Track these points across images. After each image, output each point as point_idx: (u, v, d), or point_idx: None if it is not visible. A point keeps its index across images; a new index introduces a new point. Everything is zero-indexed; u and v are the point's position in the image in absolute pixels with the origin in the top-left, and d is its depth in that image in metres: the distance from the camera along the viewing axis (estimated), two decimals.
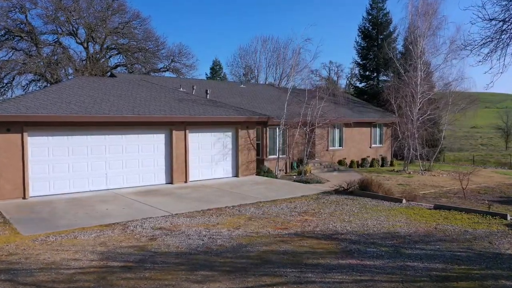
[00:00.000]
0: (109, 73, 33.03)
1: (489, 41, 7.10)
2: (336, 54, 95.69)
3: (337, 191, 15.01)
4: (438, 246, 8.44)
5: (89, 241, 8.59)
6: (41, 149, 14.12)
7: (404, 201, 13.21)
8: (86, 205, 12.43)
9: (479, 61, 7.42)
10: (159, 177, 16.72)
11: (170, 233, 9.28)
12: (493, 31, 7.02)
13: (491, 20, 6.96)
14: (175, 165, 16.87)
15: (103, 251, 7.91)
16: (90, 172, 15.09)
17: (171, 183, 16.80)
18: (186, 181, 17.13)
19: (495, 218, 10.88)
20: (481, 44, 7.16)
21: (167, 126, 16.68)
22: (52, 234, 9.13)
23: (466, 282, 6.51)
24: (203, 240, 8.74)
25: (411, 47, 24.74)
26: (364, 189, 14.67)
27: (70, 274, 6.60)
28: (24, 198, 13.55)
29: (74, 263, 7.18)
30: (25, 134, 13.64)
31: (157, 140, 16.70)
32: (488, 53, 7.23)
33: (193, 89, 22.33)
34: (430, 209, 12.28)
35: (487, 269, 7.12)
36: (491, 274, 6.88)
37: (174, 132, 16.83)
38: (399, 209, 12.18)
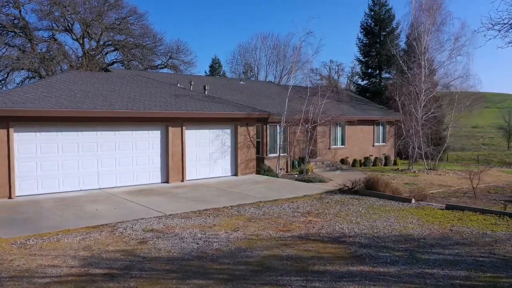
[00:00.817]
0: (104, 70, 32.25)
1: None
2: (337, 53, 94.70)
3: (341, 191, 14.24)
4: (456, 251, 7.66)
5: (72, 245, 7.80)
6: (29, 146, 13.32)
7: (413, 201, 12.43)
8: (75, 205, 11.65)
9: (510, 42, 6.64)
10: (154, 176, 15.92)
11: (163, 236, 8.50)
12: None
13: None
14: (171, 163, 16.08)
15: (86, 256, 7.11)
16: (81, 170, 14.29)
17: (167, 182, 16.01)
18: (182, 180, 16.34)
19: None
20: (511, 24, 6.39)
21: (163, 122, 15.89)
22: (34, 237, 8.34)
23: None
24: (198, 244, 7.95)
25: (414, 44, 24.01)
26: (370, 189, 13.90)
27: (43, 284, 5.80)
28: (9, 197, 12.76)
29: (51, 270, 6.38)
30: (11, 129, 12.84)
31: (152, 137, 15.91)
32: None
33: (191, 84, 21.55)
34: (441, 209, 11.50)
35: None
36: None
37: (170, 128, 16.04)
38: (408, 209, 11.41)
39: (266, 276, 6.30)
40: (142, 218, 10.05)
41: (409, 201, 12.45)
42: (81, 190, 14.07)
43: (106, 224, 9.46)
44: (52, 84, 15.93)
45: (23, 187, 13.14)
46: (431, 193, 14.71)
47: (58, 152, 13.85)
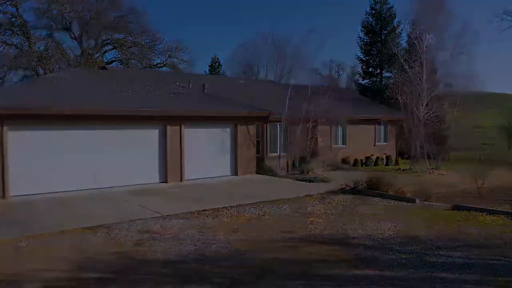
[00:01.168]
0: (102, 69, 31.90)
1: None
2: (337, 52, 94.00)
3: (343, 190, 13.93)
4: (466, 253, 7.35)
5: (65, 247, 7.49)
6: (24, 145, 12.98)
7: (417, 201, 12.13)
8: (70, 206, 11.36)
9: None
10: (152, 176, 15.59)
11: (159, 237, 8.19)
12: None
13: None
14: (170, 162, 15.77)
15: (79, 259, 6.80)
16: (78, 170, 13.93)
17: (166, 182, 15.69)
18: (181, 180, 16.02)
19: None
20: None
21: (161, 121, 15.57)
22: (25, 239, 8.02)
23: None
24: (195, 246, 7.64)
25: (416, 42, 23.73)
26: (372, 188, 13.59)
27: None
28: (3, 198, 12.44)
29: (41, 274, 6.08)
30: (5, 128, 12.52)
31: (150, 136, 15.59)
32: None
33: (190, 83, 21.22)
34: (447, 209, 11.20)
35: None
36: None
37: (168, 127, 15.73)
38: (413, 209, 11.11)
39: (266, 280, 6.00)
40: (139, 219, 9.75)
41: (413, 201, 12.14)
42: (77, 190, 13.73)
43: (102, 225, 9.15)
44: (48, 82, 15.64)
45: (18, 187, 12.80)
46: (435, 193, 14.40)
47: (54, 151, 13.51)
